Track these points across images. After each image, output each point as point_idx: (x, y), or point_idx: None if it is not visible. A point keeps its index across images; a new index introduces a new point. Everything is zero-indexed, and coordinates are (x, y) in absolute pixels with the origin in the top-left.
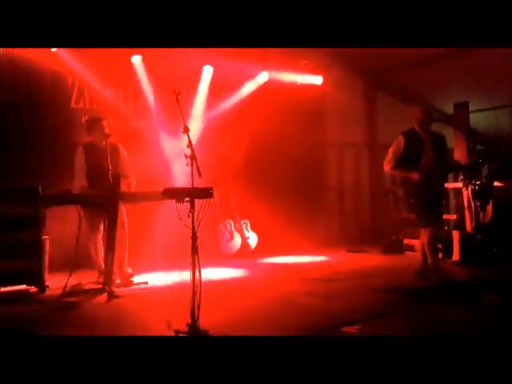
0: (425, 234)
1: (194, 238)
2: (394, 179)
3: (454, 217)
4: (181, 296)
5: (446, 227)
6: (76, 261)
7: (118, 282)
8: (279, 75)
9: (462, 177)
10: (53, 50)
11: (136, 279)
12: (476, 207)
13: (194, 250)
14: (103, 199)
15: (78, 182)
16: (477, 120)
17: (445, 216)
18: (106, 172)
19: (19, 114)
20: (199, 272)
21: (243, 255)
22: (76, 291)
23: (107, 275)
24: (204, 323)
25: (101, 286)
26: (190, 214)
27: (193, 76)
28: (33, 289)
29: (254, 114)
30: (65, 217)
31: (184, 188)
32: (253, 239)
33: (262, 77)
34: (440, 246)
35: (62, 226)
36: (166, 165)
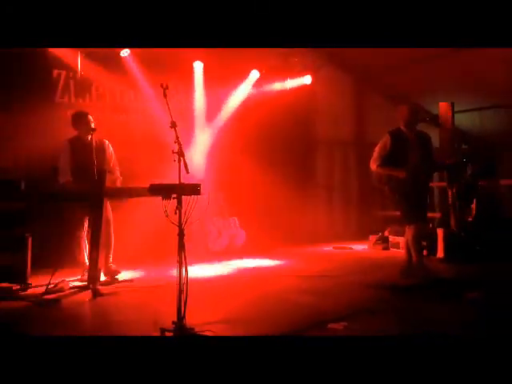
0: (409, 231)
1: (181, 235)
2: (380, 177)
3: (439, 215)
4: (167, 293)
5: (430, 225)
6: (60, 258)
7: (102, 279)
8: (268, 87)
9: (446, 176)
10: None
11: (121, 276)
12: (460, 205)
13: (181, 247)
14: (88, 195)
15: (63, 178)
16: (461, 120)
17: (429, 214)
18: (92, 167)
19: (2, 108)
20: (186, 269)
21: (231, 252)
22: (60, 289)
23: (92, 273)
24: (190, 321)
25: (85, 283)
26: (177, 211)
27: (184, 70)
28: (15, 286)
29: (244, 114)
30: (49, 213)
31: (171, 184)
32: (241, 236)
33: (254, 75)
34: (424, 243)
35: (45, 222)
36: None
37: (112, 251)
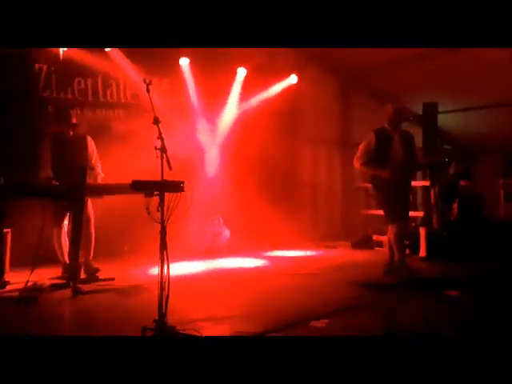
0: (392, 230)
1: (163, 232)
2: (364, 176)
3: (422, 214)
4: (148, 292)
5: (413, 224)
6: (39, 255)
7: (83, 277)
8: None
9: (429, 175)
10: None
11: (102, 275)
12: (442, 205)
13: (163, 245)
14: (68, 191)
15: (44, 174)
16: (445, 121)
17: (412, 213)
18: (73, 163)
19: None
20: (168, 268)
21: (215, 251)
22: (39, 287)
23: (72, 270)
24: (172, 319)
25: (65, 281)
26: (160, 209)
27: (170, 66)
28: None
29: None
30: (28, 209)
31: (153, 181)
32: (225, 235)
33: (241, 73)
34: (407, 242)
35: (25, 218)
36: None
37: (92, 249)
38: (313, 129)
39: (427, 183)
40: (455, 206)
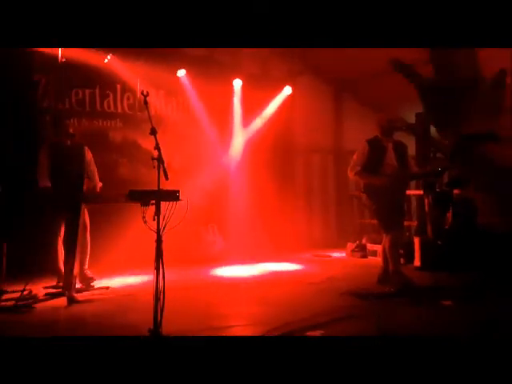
0: (386, 240)
1: (159, 241)
2: (358, 185)
3: (416, 223)
4: (143, 301)
5: (407, 233)
6: (36, 264)
7: (78, 286)
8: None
9: (422, 184)
10: None
11: (97, 284)
12: (436, 214)
13: (159, 253)
14: (65, 200)
15: (42, 183)
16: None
17: (406, 222)
18: (70, 173)
19: None
20: (163, 276)
21: (209, 259)
22: (34, 296)
23: (67, 279)
24: (167, 329)
25: (60, 290)
26: (156, 217)
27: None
28: None
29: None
30: (25, 218)
31: (149, 190)
32: (219, 243)
33: (238, 85)
34: (401, 251)
35: (22, 227)
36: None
37: (88, 258)
38: (306, 137)
39: (421, 192)
40: (449, 214)
